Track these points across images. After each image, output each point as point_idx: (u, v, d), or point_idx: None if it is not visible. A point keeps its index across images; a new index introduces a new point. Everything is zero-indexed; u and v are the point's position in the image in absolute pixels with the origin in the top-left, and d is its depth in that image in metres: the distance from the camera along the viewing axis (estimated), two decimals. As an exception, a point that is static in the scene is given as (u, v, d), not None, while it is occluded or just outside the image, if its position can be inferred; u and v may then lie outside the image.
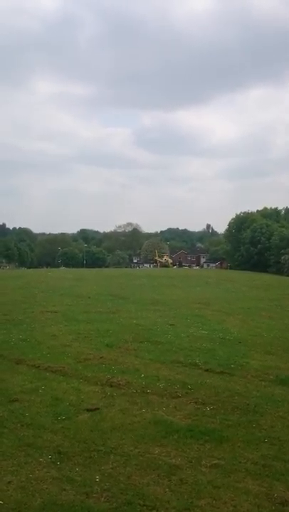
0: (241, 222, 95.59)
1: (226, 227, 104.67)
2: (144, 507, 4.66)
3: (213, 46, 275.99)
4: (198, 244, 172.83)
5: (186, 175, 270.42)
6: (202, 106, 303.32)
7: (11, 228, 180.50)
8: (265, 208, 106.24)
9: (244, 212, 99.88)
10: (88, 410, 7.28)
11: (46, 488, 4.98)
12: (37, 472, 5.33)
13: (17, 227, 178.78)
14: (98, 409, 7.35)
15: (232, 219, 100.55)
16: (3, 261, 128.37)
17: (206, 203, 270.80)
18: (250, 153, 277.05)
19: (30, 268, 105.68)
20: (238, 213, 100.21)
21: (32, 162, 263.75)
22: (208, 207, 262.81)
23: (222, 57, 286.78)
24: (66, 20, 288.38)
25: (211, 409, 7.44)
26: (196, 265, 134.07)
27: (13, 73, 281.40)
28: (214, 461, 5.66)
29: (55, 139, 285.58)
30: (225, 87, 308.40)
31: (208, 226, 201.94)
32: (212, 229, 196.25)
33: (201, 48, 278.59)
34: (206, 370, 9.74)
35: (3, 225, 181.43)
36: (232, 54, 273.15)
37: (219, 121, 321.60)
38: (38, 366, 9.86)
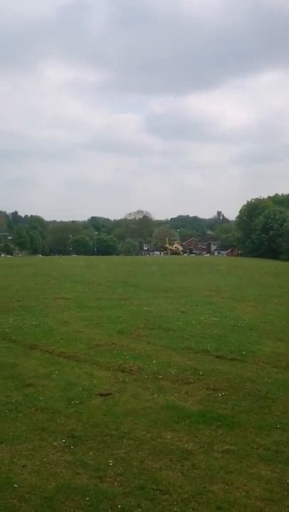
0: (253, 209, 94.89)
1: (237, 214, 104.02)
2: (157, 491, 4.71)
3: (225, 30, 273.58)
4: (209, 232, 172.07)
5: (197, 161, 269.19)
6: (213, 91, 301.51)
7: (22, 216, 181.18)
8: (277, 195, 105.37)
9: (255, 199, 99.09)
10: (101, 395, 7.35)
11: (60, 472, 5.05)
12: (51, 456, 5.40)
13: (29, 215, 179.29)
14: (111, 394, 7.41)
15: (243, 206, 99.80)
16: (16, 248, 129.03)
17: (216, 189, 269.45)
18: (262, 139, 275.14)
19: (42, 255, 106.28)
20: (250, 200, 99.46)
21: (43, 150, 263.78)
22: (219, 194, 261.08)
23: (233, 42, 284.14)
24: (77, 5, 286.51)
25: (222, 395, 7.46)
26: (207, 252, 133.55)
27: (23, 60, 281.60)
28: (226, 447, 5.69)
29: (66, 126, 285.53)
30: (236, 72, 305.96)
31: (219, 213, 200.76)
32: (223, 216, 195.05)
33: (212, 32, 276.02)
34: (218, 357, 9.75)
35: (16, 212, 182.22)
36: (243, 38, 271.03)
37: (231, 107, 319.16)
38: (52, 352, 9.94)
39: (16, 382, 7.97)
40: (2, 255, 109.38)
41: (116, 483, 4.86)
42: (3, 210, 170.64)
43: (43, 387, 7.71)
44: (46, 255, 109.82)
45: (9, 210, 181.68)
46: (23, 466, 5.18)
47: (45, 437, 5.88)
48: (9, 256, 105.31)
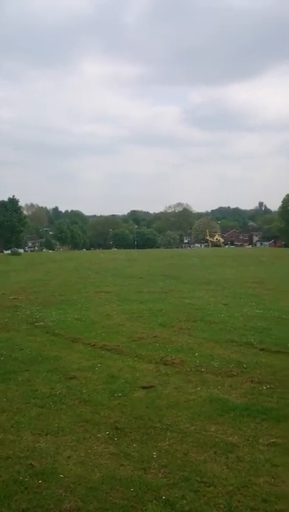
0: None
1: (279, 204, 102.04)
2: (202, 483, 4.67)
3: (266, 15, 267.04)
4: (251, 223, 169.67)
5: (238, 152, 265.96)
6: (254, 79, 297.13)
7: (63, 211, 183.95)
8: None
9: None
10: (143, 388, 7.35)
11: (105, 463, 5.08)
12: (95, 447, 5.45)
13: (69, 210, 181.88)
14: (153, 386, 7.40)
15: (287, 195, 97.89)
16: (57, 243, 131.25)
17: (258, 180, 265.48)
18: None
19: (82, 250, 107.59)
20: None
21: (83, 145, 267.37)
22: (261, 184, 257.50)
23: (276, 27, 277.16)
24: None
25: (267, 388, 7.33)
26: (249, 244, 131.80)
27: (63, 56, 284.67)
28: (272, 440, 5.58)
29: (106, 120, 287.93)
30: (279, 59, 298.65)
31: (261, 204, 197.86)
32: (265, 207, 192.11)
33: (253, 17, 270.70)
34: (262, 350, 9.58)
35: (56, 208, 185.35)
36: (286, 23, 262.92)
37: (273, 95, 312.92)
38: (94, 344, 10.04)
39: (59, 374, 8.08)
40: (44, 250, 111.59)
41: (160, 474, 4.85)
42: (44, 206, 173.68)
43: (86, 379, 7.79)
44: (87, 249, 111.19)
45: (50, 206, 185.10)
46: (68, 457, 5.25)
47: (89, 429, 5.93)
48: (50, 251, 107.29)
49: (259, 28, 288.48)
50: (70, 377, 7.88)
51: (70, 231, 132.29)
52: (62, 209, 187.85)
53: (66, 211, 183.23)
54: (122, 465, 5.05)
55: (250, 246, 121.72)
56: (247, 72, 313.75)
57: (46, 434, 5.82)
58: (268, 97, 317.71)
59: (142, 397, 7.02)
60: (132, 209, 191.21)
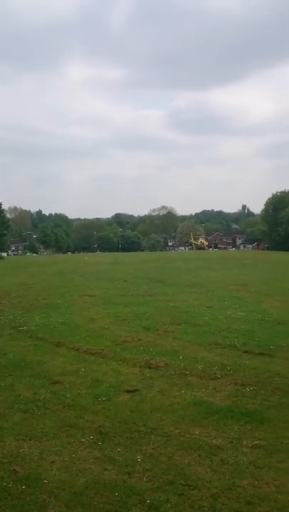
0: (278, 202, 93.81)
1: (262, 207, 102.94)
2: (186, 486, 4.68)
3: (249, 20, 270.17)
4: (234, 226, 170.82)
5: (221, 155, 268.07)
6: (238, 83, 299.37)
7: (47, 214, 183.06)
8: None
9: (281, 192, 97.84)
10: (128, 391, 7.34)
11: (89, 468, 5.06)
12: (79, 452, 5.42)
13: (53, 213, 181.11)
14: (138, 390, 7.40)
15: (269, 199, 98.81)
16: (41, 247, 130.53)
17: (241, 183, 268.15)
18: (288, 130, 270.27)
19: (66, 253, 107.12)
20: (275, 193, 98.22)
21: (66, 148, 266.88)
22: (244, 187, 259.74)
23: (258, 32, 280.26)
24: (98, 2, 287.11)
25: (251, 390, 7.37)
26: (232, 247, 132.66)
27: (47, 59, 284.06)
28: (255, 442, 5.61)
29: (90, 123, 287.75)
30: (261, 63, 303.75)
31: (244, 207, 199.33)
32: (248, 210, 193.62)
33: (236, 22, 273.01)
34: (245, 352, 9.65)
35: (40, 211, 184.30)
36: (268, 28, 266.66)
37: (256, 99, 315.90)
38: (78, 349, 10.00)
39: (43, 379, 8.03)
40: (27, 254, 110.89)
41: (144, 478, 4.85)
42: (27, 209, 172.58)
43: (70, 384, 7.75)
44: (72, 253, 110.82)
45: (34, 209, 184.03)
46: (52, 462, 5.22)
47: (73, 434, 5.90)
48: (34, 254, 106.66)
49: (241, 33, 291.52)
50: (54, 382, 7.83)
51: (54, 234, 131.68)
52: (46, 212, 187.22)
53: (50, 214, 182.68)
54: (106, 469, 5.03)
55: (234, 249, 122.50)
56: (230, 77, 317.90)
57: (30, 439, 5.77)
58: (251, 101, 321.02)
59: (126, 401, 7.01)
60: (117, 212, 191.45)
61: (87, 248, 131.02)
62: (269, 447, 5.48)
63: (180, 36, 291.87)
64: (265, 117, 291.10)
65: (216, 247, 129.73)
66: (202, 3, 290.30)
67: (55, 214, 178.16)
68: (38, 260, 54.05)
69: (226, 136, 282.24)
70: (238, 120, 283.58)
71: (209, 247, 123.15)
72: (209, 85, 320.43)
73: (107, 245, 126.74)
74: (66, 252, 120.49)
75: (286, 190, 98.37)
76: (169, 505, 4.39)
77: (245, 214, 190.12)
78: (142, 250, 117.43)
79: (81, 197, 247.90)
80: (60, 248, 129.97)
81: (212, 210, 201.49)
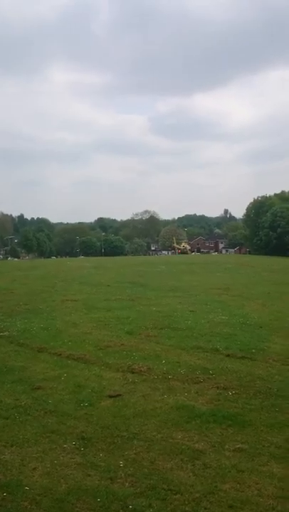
0: (259, 207, 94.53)
1: (243, 212, 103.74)
2: (169, 491, 4.68)
3: (230, 27, 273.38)
4: (216, 230, 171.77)
5: (203, 160, 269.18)
6: (220, 89, 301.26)
7: (29, 219, 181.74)
8: (283, 192, 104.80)
9: (262, 196, 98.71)
10: (110, 397, 7.32)
11: (71, 474, 5.03)
12: (61, 458, 5.39)
13: (35, 218, 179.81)
14: (120, 395, 7.38)
15: (250, 203, 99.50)
16: (23, 251, 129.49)
17: (223, 188, 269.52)
18: (270, 135, 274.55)
19: (50, 257, 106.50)
20: (256, 197, 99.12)
21: (49, 152, 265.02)
22: (226, 192, 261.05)
23: (239, 39, 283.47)
24: (81, 7, 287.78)
25: (233, 393, 7.42)
26: (215, 251, 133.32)
27: (30, 63, 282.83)
28: (237, 445, 5.65)
29: (73, 128, 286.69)
30: (243, 70, 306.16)
31: (226, 211, 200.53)
32: (230, 214, 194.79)
33: (217, 29, 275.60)
34: (227, 355, 9.70)
35: (22, 215, 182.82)
36: (250, 35, 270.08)
37: (237, 105, 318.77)
38: (60, 354, 9.94)
39: (24, 385, 7.96)
40: (9, 258, 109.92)
41: (127, 483, 4.84)
42: (9, 213, 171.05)
43: (52, 389, 7.70)
44: (56, 257, 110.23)
45: (15, 213, 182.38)
46: (34, 468, 5.18)
47: (55, 440, 5.87)
48: (16, 259, 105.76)
49: (223, 40, 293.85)
50: (36, 388, 7.77)
51: (36, 239, 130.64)
52: (28, 216, 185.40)
53: (32, 219, 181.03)
54: (88, 475, 5.01)
55: (216, 253, 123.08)
56: (212, 83, 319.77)
57: (11, 446, 5.72)
58: (233, 108, 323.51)
59: (108, 406, 6.99)
60: (99, 216, 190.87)
61: (70, 252, 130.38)
62: (251, 450, 5.52)
63: (163, 42, 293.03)
64: (246, 123, 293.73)
65: (198, 251, 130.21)
66: (185, 10, 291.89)
67: (38, 218, 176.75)
68: (20, 265, 53.58)
69: (208, 141, 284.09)
70: (220, 126, 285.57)
71: (192, 251, 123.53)
72: (192, 91, 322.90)
73: (89, 250, 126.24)
74: (50, 256, 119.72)
75: (267, 195, 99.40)
76: (151, 510, 4.39)
77: (227, 218, 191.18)
78: (125, 255, 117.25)
79: (64, 201, 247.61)
80: (42, 253, 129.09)
81: (195, 215, 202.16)
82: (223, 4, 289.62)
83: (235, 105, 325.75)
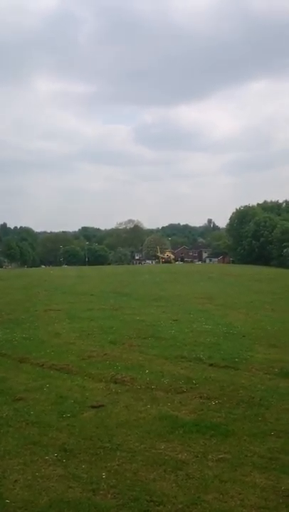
0: (242, 216, 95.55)
1: (227, 221, 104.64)
2: (151, 502, 4.64)
3: (213, 40, 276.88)
4: (200, 240, 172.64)
5: (187, 171, 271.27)
6: (203, 100, 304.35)
7: (12, 228, 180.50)
8: (266, 202, 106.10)
9: (245, 206, 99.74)
10: (93, 407, 7.26)
11: (53, 486, 4.96)
12: (43, 470, 5.32)
13: (18, 227, 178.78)
14: (103, 406, 7.33)
15: (233, 213, 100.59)
16: (6, 260, 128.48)
17: (207, 198, 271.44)
18: (252, 147, 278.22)
19: (32, 267, 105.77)
20: (239, 207, 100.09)
21: (33, 161, 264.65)
22: (210, 202, 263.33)
23: (222, 52, 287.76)
24: (66, 18, 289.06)
25: (216, 403, 7.42)
26: (198, 260, 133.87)
27: (14, 72, 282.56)
28: (220, 456, 5.63)
29: (57, 137, 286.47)
30: (226, 81, 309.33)
31: (210, 221, 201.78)
32: (213, 223, 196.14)
33: (201, 42, 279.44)
34: (211, 365, 9.71)
35: (4, 224, 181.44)
36: (233, 47, 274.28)
37: (221, 116, 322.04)
38: (42, 364, 9.84)
39: (5, 396, 7.85)
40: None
41: (109, 495, 4.79)
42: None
43: (33, 400, 7.61)
44: (37, 267, 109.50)
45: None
46: (15, 480, 5.09)
47: (37, 451, 5.79)
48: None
49: (206, 53, 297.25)
50: (17, 399, 7.67)
51: (19, 248, 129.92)
52: (10, 225, 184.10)
53: (15, 227, 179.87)
54: (70, 487, 4.94)
55: (200, 262, 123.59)
56: (196, 94, 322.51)
57: (-9, 459, 5.63)
58: (216, 119, 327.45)
59: (91, 416, 6.93)
60: (83, 225, 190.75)
61: (54, 262, 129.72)
62: (234, 460, 5.51)
63: (148, 53, 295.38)
64: (229, 135, 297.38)
65: (182, 260, 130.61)
66: (169, 23, 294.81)
67: (21, 227, 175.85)
68: (2, 274, 53.11)
69: (192, 151, 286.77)
70: (203, 137, 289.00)
71: (176, 260, 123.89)
72: (176, 102, 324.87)
73: (73, 259, 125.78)
74: (33, 265, 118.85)
75: (250, 205, 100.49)
76: (133, 522, 4.34)
77: (210, 228, 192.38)
78: (109, 264, 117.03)
79: (47, 210, 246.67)
80: (25, 262, 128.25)
81: (178, 224, 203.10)
82: (207, 17, 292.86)
83: (219, 116, 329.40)
